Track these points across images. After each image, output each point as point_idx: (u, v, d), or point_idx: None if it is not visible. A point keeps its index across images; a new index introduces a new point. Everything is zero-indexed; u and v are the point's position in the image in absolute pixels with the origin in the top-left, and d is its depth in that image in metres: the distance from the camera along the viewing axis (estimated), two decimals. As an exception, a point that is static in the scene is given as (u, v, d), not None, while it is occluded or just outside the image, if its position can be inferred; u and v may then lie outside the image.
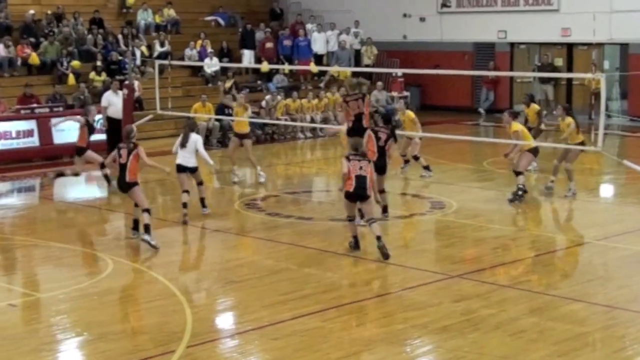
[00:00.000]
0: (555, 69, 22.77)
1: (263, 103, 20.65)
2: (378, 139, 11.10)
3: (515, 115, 13.26)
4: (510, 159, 13.99)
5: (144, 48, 22.08)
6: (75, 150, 14.05)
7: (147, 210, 10.52)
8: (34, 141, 17.35)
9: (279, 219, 11.97)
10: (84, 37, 21.70)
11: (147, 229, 10.43)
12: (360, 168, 9.83)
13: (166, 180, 14.60)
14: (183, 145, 11.77)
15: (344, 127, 13.28)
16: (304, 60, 23.40)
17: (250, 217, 12.22)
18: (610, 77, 21.38)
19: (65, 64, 20.54)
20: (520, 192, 12.73)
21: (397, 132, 12.68)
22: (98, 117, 16.22)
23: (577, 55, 23.08)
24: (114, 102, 16.66)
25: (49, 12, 22.10)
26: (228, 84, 21.27)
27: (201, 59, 22.41)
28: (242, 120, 14.50)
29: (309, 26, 24.93)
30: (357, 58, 24.62)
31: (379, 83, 22.73)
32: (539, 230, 11.59)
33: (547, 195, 13.12)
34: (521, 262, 9.89)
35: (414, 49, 24.84)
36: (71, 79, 20.21)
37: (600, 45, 22.52)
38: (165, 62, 20.17)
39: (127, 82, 17.57)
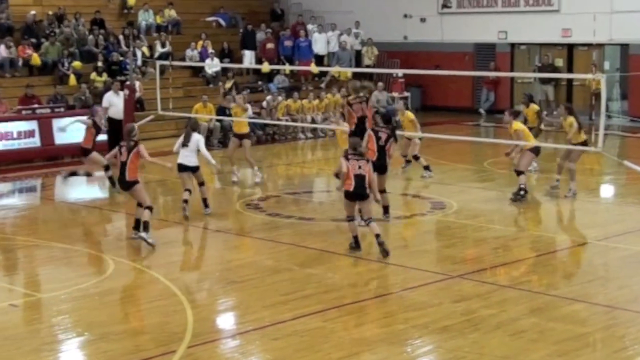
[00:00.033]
0: (555, 70, 22.77)
1: (264, 103, 20.68)
2: (378, 138, 11.11)
3: (516, 115, 13.29)
4: (511, 158, 14.01)
5: (145, 49, 22.10)
6: (81, 151, 14.05)
7: (149, 208, 10.57)
8: (35, 142, 17.37)
9: (280, 219, 11.99)
10: (85, 38, 21.72)
11: (145, 226, 10.48)
12: (359, 167, 9.86)
13: (167, 181, 14.63)
14: (185, 144, 11.80)
15: (345, 128, 13.34)
16: (304, 60, 23.42)
17: (251, 218, 12.24)
18: (610, 77, 21.39)
19: (66, 64, 20.57)
20: (522, 192, 12.75)
21: (397, 132, 12.70)
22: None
23: (577, 56, 23.09)
24: (115, 102, 16.68)
25: (50, 12, 22.13)
26: (228, 84, 21.29)
27: (202, 59, 22.43)
28: (241, 121, 14.54)
29: (309, 27, 24.95)
30: (358, 59, 24.64)
31: (380, 84, 22.73)
32: (540, 230, 11.60)
33: (553, 195, 13.11)
34: (522, 263, 9.90)
35: (415, 50, 24.85)
36: (72, 80, 20.23)
37: (600, 45, 22.53)
38: (166, 62, 20.17)
39: (128, 83, 17.60)
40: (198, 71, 22.80)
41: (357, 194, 9.85)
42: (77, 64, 20.63)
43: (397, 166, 14.65)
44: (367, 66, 23.99)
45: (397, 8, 25.38)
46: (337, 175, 13.15)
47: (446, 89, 24.38)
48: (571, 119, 12.83)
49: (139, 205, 10.74)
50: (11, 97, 18.48)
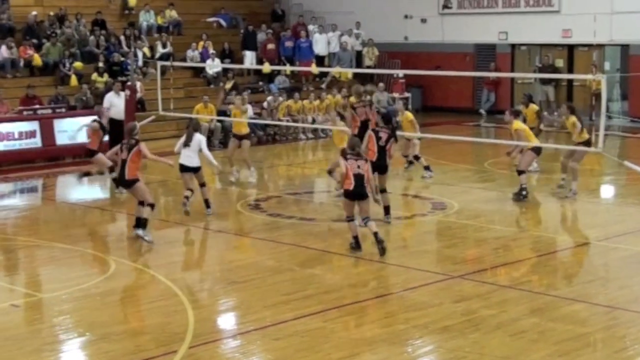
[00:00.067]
0: (556, 70, 22.78)
1: (265, 104, 20.69)
2: (379, 138, 11.13)
3: (516, 114, 13.33)
4: (512, 157, 14.05)
5: (146, 49, 22.11)
6: (87, 153, 14.06)
7: (151, 205, 10.62)
8: (36, 142, 17.38)
9: (281, 219, 12.00)
10: (86, 39, 21.74)
11: (144, 223, 10.54)
12: (358, 167, 9.90)
13: (168, 181, 14.65)
14: (187, 144, 11.82)
15: (342, 128, 13.39)
16: (305, 61, 23.43)
17: (252, 218, 12.25)
18: (610, 78, 21.38)
19: (67, 65, 20.59)
20: (524, 192, 12.78)
21: (397, 132, 12.72)
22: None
23: (577, 57, 23.09)
24: (115, 103, 16.69)
25: (52, 13, 22.14)
26: (228, 85, 21.30)
27: (203, 60, 22.44)
28: (240, 122, 14.58)
29: (310, 27, 24.97)
30: (359, 59, 24.65)
31: (381, 84, 22.74)
32: (540, 231, 11.61)
33: (560, 194, 13.11)
34: (522, 263, 9.91)
35: (415, 50, 24.86)
36: (73, 80, 20.25)
37: (600, 46, 22.54)
38: (167, 63, 20.18)
39: (129, 83, 17.60)
40: (199, 72, 22.81)
41: (357, 193, 9.88)
42: (78, 64, 20.65)
43: (397, 166, 14.67)
44: (368, 67, 24.01)
45: (398, 9, 25.39)
46: (330, 172, 13.26)
47: (447, 90, 24.40)
48: (573, 118, 12.86)
49: (140, 203, 10.78)
50: (12, 98, 18.49)
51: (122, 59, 21.10)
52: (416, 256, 10.04)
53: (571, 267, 10.07)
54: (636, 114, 21.19)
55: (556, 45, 23.26)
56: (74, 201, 14.42)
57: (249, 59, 23.57)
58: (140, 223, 10.63)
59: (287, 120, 20.11)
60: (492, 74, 23.04)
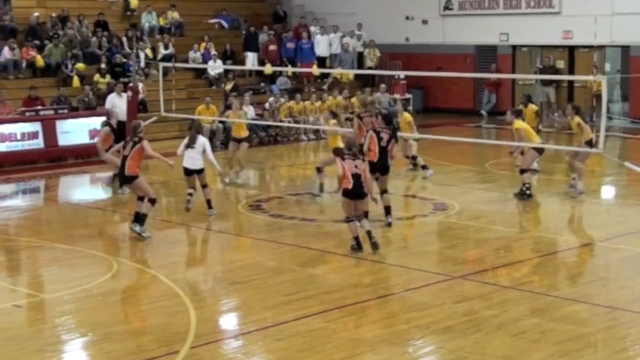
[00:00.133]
0: (556, 71, 22.81)
1: (266, 105, 20.72)
2: (380, 139, 11.14)
3: (518, 114, 13.38)
4: (513, 157, 14.10)
5: (148, 50, 22.15)
6: (97, 153, 14.10)
7: (152, 201, 10.71)
8: (38, 143, 17.40)
9: (282, 220, 12.03)
10: (88, 40, 21.77)
11: (142, 218, 10.63)
12: (355, 166, 9.94)
13: (170, 182, 14.68)
14: (190, 145, 11.89)
15: (337, 129, 13.43)
16: (307, 62, 23.46)
17: (254, 219, 12.28)
18: (611, 79, 21.39)
19: (69, 66, 20.62)
20: (528, 192, 12.83)
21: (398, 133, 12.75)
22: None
23: (578, 58, 23.11)
24: (117, 104, 16.74)
25: (54, 14, 22.17)
26: (229, 86, 21.33)
27: (205, 61, 22.48)
28: (240, 126, 14.59)
29: (312, 29, 24.99)
30: (360, 60, 24.67)
31: (382, 85, 22.77)
32: (541, 231, 11.63)
33: (572, 194, 13.12)
34: (523, 263, 9.93)
35: (417, 52, 24.88)
36: (76, 81, 20.28)
37: (601, 47, 22.55)
38: (169, 64, 20.25)
39: (131, 85, 17.65)
40: (201, 73, 22.84)
41: (356, 192, 9.93)
42: (80, 65, 20.68)
43: (399, 167, 14.69)
44: (369, 68, 24.02)
45: (399, 10, 25.41)
46: (318, 170, 13.32)
47: (448, 91, 24.41)
48: (578, 118, 12.91)
49: (140, 199, 10.89)
50: (15, 99, 18.51)
51: (124, 60, 21.13)
52: (417, 257, 10.07)
53: (572, 268, 10.09)
54: (637, 115, 21.22)
55: (557, 47, 23.28)
56: (76, 202, 14.46)
57: (251, 60, 23.60)
58: (139, 218, 10.72)
59: (289, 122, 20.14)
60: (493, 75, 23.06)
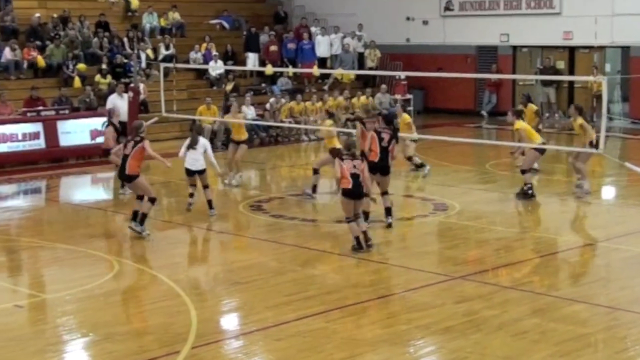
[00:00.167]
0: (557, 72, 22.82)
1: (267, 106, 20.75)
2: (381, 139, 11.16)
3: (519, 114, 13.42)
4: (514, 158, 14.12)
5: (149, 51, 22.18)
6: (103, 153, 14.12)
7: (152, 200, 10.79)
8: (40, 143, 17.42)
9: (283, 220, 12.05)
10: (89, 40, 21.81)
11: (141, 218, 10.71)
12: (354, 166, 9.97)
13: (171, 183, 14.71)
14: (192, 146, 11.97)
15: (331, 129, 13.45)
16: (307, 63, 23.48)
17: (255, 219, 12.30)
18: (611, 79, 21.43)
19: (71, 66, 20.65)
20: (530, 192, 12.86)
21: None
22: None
23: (578, 58, 23.12)
24: (118, 105, 16.75)
25: (55, 15, 22.20)
26: (229, 86, 21.35)
27: (206, 62, 22.50)
28: (239, 129, 14.60)
29: (313, 29, 25.01)
30: (361, 61, 24.69)
31: (383, 86, 22.80)
32: (541, 232, 11.65)
33: (578, 194, 13.12)
34: (523, 264, 9.94)
35: (417, 52, 24.89)
36: (77, 82, 20.31)
37: (601, 48, 22.57)
38: (170, 65, 20.28)
39: (132, 85, 17.67)
40: (202, 73, 22.88)
41: (356, 192, 9.96)
42: (81, 66, 20.71)
43: (399, 167, 14.70)
44: (370, 68, 24.04)
45: (400, 11, 25.43)
46: (315, 171, 13.35)
47: (448, 91, 24.42)
48: (581, 119, 12.94)
49: (139, 198, 10.97)
50: (16, 99, 18.55)
51: (125, 60, 21.16)
52: (418, 257, 10.08)
53: (572, 268, 10.10)
54: (637, 115, 21.25)
55: (557, 47, 23.30)
56: (77, 202, 14.47)
57: (252, 60, 23.62)
58: (137, 216, 10.82)
59: (290, 122, 20.16)
60: (494, 76, 23.08)
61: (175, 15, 24.37)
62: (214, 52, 22.81)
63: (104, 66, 20.79)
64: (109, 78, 20.47)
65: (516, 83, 23.91)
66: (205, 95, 20.31)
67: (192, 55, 22.74)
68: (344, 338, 7.46)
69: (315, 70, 21.83)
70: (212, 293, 9.06)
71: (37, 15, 21.68)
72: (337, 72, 22.94)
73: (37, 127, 17.45)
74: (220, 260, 10.58)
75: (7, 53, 19.99)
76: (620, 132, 20.89)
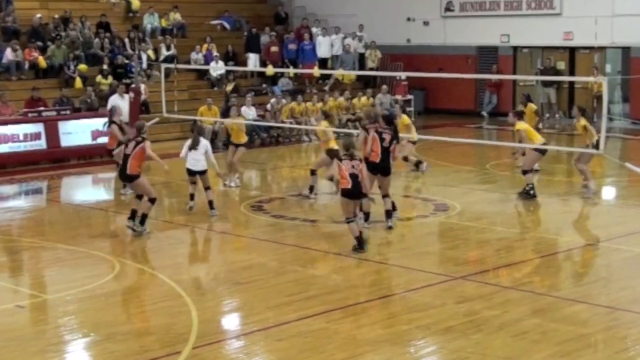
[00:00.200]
0: (557, 73, 22.83)
1: (268, 106, 20.77)
2: (382, 140, 11.17)
3: (520, 115, 13.45)
4: (515, 158, 14.12)
5: (150, 52, 22.20)
6: (108, 153, 14.15)
7: (152, 200, 10.86)
8: (41, 144, 17.45)
9: (284, 221, 12.07)
10: (90, 41, 21.83)
11: (142, 218, 10.81)
12: (352, 167, 9.99)
13: (172, 183, 14.72)
14: (194, 147, 12.01)
15: (327, 129, 13.47)
16: (308, 64, 23.50)
17: (256, 219, 12.32)
18: (612, 80, 21.44)
19: (72, 67, 20.67)
20: (531, 192, 12.88)
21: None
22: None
23: (579, 59, 23.13)
24: (120, 105, 16.74)
25: (56, 16, 22.22)
26: (229, 87, 21.37)
27: (207, 62, 22.52)
28: (238, 132, 14.61)
29: (313, 30, 25.03)
30: (362, 61, 24.71)
31: (384, 86, 22.81)
32: (542, 232, 11.66)
33: (586, 195, 13.12)
34: (524, 264, 9.95)
35: (418, 53, 24.91)
36: (78, 83, 20.33)
37: (602, 48, 22.58)
38: (171, 65, 20.29)
39: (133, 86, 17.69)
40: (203, 74, 22.90)
41: (355, 192, 9.97)
42: (82, 67, 20.74)
43: (399, 168, 14.72)
44: (371, 69, 24.06)
45: (401, 11, 25.44)
46: (312, 172, 13.37)
47: (449, 92, 24.43)
48: (584, 121, 12.97)
49: (138, 197, 11.06)
50: (17, 100, 18.58)
51: (127, 61, 21.18)
52: (418, 257, 10.09)
53: (573, 268, 10.11)
54: (637, 116, 21.26)
55: (558, 48, 23.31)
56: (78, 202, 14.49)
57: (253, 61, 23.65)
58: (135, 215, 10.90)
59: (291, 123, 20.18)
60: (494, 76, 23.09)
61: (176, 16, 24.39)
62: (215, 53, 22.83)
63: (105, 67, 20.81)
64: (110, 79, 20.49)
65: (517, 84, 23.92)
66: (206, 96, 20.34)
67: (193, 55, 22.76)
68: (345, 338, 7.47)
69: (316, 71, 21.85)
70: (213, 293, 9.07)
71: (39, 16, 21.70)
72: (338, 72, 22.96)
73: (38, 127, 17.47)
74: (221, 260, 10.59)
75: (9, 54, 20.02)
76: (621, 133, 20.90)
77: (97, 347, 7.43)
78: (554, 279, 9.44)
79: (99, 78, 20.53)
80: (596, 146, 12.70)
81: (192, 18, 24.95)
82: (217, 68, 22.39)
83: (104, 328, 7.76)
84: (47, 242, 11.18)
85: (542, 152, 13.28)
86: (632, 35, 21.42)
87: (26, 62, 20.36)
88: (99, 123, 16.82)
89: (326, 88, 23.48)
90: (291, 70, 22.84)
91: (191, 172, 12.16)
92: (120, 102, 16.88)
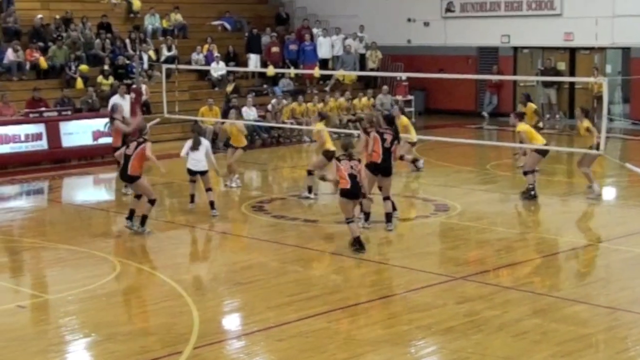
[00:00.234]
0: (558, 73, 22.84)
1: (269, 107, 20.78)
2: (384, 140, 11.17)
3: (521, 117, 13.47)
4: (515, 159, 14.14)
5: (151, 52, 22.21)
6: (113, 151, 14.16)
7: (152, 201, 10.90)
8: (42, 144, 17.46)
9: (285, 221, 12.08)
10: (91, 42, 21.85)
11: (142, 219, 10.89)
12: (351, 167, 10.01)
13: (173, 184, 14.74)
14: (195, 148, 12.04)
15: (324, 128, 13.48)
16: (309, 64, 23.51)
17: (257, 220, 12.33)
18: (612, 81, 21.45)
19: (73, 68, 20.69)
20: (532, 192, 12.90)
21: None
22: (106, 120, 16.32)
23: (579, 60, 23.14)
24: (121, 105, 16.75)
25: (57, 16, 22.24)
26: (229, 88, 21.39)
27: (208, 63, 22.54)
28: (238, 135, 14.62)
29: (314, 31, 25.05)
30: (362, 62, 24.72)
31: (384, 87, 22.83)
32: (542, 232, 11.67)
33: (591, 196, 13.13)
34: (524, 264, 9.97)
35: (418, 53, 24.92)
36: (79, 83, 20.35)
37: (602, 49, 22.59)
38: (172, 66, 20.30)
39: (134, 86, 17.71)
40: (204, 74, 22.92)
41: (354, 192, 9.99)
42: (84, 67, 20.76)
43: (399, 168, 14.73)
44: (371, 70, 24.08)
45: (401, 12, 25.46)
46: (309, 173, 13.39)
47: (450, 92, 24.44)
48: (587, 122, 12.99)
49: (137, 197, 11.14)
50: (19, 100, 18.59)
51: (128, 62, 21.20)
52: (419, 258, 10.10)
53: (573, 269, 10.12)
54: (637, 116, 21.27)
55: (558, 48, 23.32)
56: (79, 203, 14.51)
57: (254, 62, 23.66)
58: (133, 215, 10.98)
59: (291, 123, 20.19)
60: (495, 77, 23.10)
61: (177, 17, 24.41)
62: (216, 54, 22.85)
63: (106, 67, 20.83)
64: (111, 79, 20.51)
65: (517, 84, 23.93)
66: (207, 97, 20.35)
67: (194, 56, 22.78)
68: (346, 338, 7.49)
69: (317, 72, 21.86)
70: (214, 293, 9.09)
71: (40, 16, 21.73)
72: (339, 73, 22.98)
73: (39, 128, 17.49)
74: (222, 260, 10.60)
75: (10, 54, 20.04)
76: (621, 133, 20.91)
77: (98, 347, 7.44)
78: (555, 279, 9.45)
79: (100, 79, 20.55)
80: (596, 148, 12.73)
81: (193, 19, 24.97)
82: (218, 69, 22.41)
83: (105, 328, 7.78)
84: (48, 242, 11.20)
85: (543, 153, 13.30)
86: (633, 36, 21.43)
87: (27, 62, 20.38)
88: (100, 123, 16.88)
89: (327, 89, 23.49)
90: (292, 71, 22.85)
91: (192, 172, 12.22)
92: (122, 103, 16.87)
